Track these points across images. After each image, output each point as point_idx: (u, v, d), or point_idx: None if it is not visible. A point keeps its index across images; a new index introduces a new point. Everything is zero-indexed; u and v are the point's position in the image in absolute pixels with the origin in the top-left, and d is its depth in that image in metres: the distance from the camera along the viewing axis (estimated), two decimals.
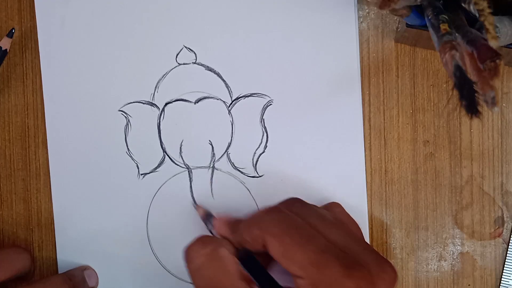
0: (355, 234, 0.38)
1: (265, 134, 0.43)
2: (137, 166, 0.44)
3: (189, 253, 0.36)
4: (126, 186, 0.44)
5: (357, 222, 0.40)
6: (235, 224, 0.38)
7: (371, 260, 0.34)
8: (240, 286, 0.35)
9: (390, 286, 0.34)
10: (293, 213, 0.36)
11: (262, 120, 0.44)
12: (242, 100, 0.44)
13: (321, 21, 0.43)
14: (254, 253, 0.37)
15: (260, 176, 0.44)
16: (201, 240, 0.37)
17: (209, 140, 0.44)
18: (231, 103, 0.44)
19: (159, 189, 0.44)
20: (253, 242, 0.35)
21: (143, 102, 0.44)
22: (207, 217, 0.41)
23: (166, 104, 0.44)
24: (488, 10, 0.29)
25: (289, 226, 0.35)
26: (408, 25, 0.38)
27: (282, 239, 0.34)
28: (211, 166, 0.44)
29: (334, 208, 0.41)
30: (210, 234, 0.40)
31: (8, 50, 0.43)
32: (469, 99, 0.28)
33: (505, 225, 0.43)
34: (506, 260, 0.43)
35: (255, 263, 0.36)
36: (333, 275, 0.32)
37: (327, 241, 0.34)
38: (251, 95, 0.44)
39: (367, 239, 0.43)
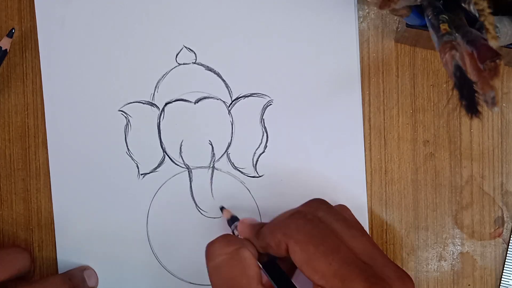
0: (376, 244, 0.37)
1: (265, 134, 0.43)
2: (137, 166, 0.44)
3: (211, 250, 0.36)
4: (126, 186, 0.44)
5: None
6: (259, 228, 0.37)
7: (393, 275, 0.33)
8: None
9: None
10: (318, 218, 0.35)
11: (262, 120, 0.43)
12: (242, 100, 0.44)
13: (321, 21, 0.43)
14: (279, 260, 0.36)
15: (260, 176, 0.44)
16: (225, 239, 0.36)
17: (209, 140, 0.44)
18: (231, 103, 0.44)
19: (159, 189, 0.44)
20: (276, 247, 0.35)
21: (143, 102, 0.44)
22: (232, 220, 0.41)
23: (166, 104, 0.44)
24: (488, 10, 0.29)
25: (313, 233, 0.34)
26: (408, 25, 0.38)
27: (306, 247, 0.33)
28: (211, 166, 0.44)
29: (344, 213, 0.40)
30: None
31: (8, 50, 0.43)
32: (469, 99, 0.28)
33: (505, 225, 0.43)
34: (506, 260, 0.43)
35: (278, 270, 0.35)
36: None
37: (352, 252, 0.33)
38: (251, 95, 0.44)
39: None
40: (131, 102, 0.44)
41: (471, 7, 0.31)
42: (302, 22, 0.43)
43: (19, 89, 0.44)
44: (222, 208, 0.43)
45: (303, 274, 0.33)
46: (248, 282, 0.34)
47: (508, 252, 0.43)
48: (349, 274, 0.32)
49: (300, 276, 0.36)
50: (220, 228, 0.43)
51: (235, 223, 0.41)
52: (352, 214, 0.40)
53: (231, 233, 0.40)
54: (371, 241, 0.35)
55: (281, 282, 0.35)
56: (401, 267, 0.43)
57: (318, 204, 0.37)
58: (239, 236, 0.39)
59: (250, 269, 0.35)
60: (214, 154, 0.44)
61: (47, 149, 0.44)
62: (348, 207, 0.41)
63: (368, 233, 0.43)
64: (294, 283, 0.35)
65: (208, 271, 0.36)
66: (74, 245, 0.44)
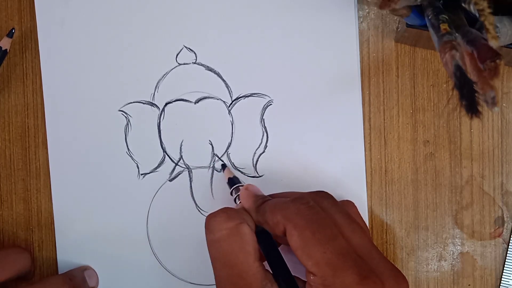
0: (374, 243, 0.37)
1: (265, 134, 0.43)
2: (137, 166, 0.44)
3: (211, 223, 0.36)
4: (126, 186, 0.44)
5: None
6: (261, 202, 0.37)
7: (387, 271, 0.33)
8: (254, 266, 0.34)
9: None
10: (320, 207, 0.35)
11: (262, 120, 0.44)
12: (242, 100, 0.44)
13: (321, 21, 0.43)
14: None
15: (260, 176, 0.44)
16: (225, 213, 0.36)
17: (209, 140, 0.44)
18: (231, 103, 0.44)
19: (159, 189, 0.44)
20: (274, 226, 0.35)
21: (143, 102, 0.44)
22: (233, 181, 0.41)
23: (166, 104, 0.44)
24: (488, 10, 0.29)
25: (313, 220, 0.34)
26: (408, 25, 0.38)
27: (303, 232, 0.33)
28: (211, 166, 0.44)
29: (349, 208, 0.40)
30: (233, 206, 0.39)
31: (8, 50, 0.43)
32: (469, 99, 0.28)
33: (505, 225, 0.43)
34: (506, 260, 0.43)
35: (271, 242, 0.36)
36: (346, 280, 0.32)
37: (348, 244, 0.34)
38: (251, 95, 0.44)
39: None
40: (131, 102, 0.44)
41: (471, 7, 0.31)
42: (302, 22, 0.43)
43: (19, 89, 0.44)
44: (224, 166, 0.43)
45: (298, 258, 0.34)
46: (246, 258, 0.34)
47: (508, 252, 0.43)
48: (342, 265, 0.32)
49: (291, 254, 0.36)
50: None
51: (237, 185, 0.41)
52: (357, 211, 0.40)
53: (230, 193, 0.41)
54: (370, 238, 0.36)
55: (272, 255, 0.35)
56: (401, 267, 0.43)
57: (323, 194, 0.38)
58: (239, 201, 0.39)
59: (248, 245, 0.35)
60: (214, 154, 0.44)
61: (47, 149, 0.44)
62: (354, 204, 0.41)
63: (369, 232, 0.43)
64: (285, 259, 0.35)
65: (207, 243, 0.36)
66: (74, 245, 0.44)
